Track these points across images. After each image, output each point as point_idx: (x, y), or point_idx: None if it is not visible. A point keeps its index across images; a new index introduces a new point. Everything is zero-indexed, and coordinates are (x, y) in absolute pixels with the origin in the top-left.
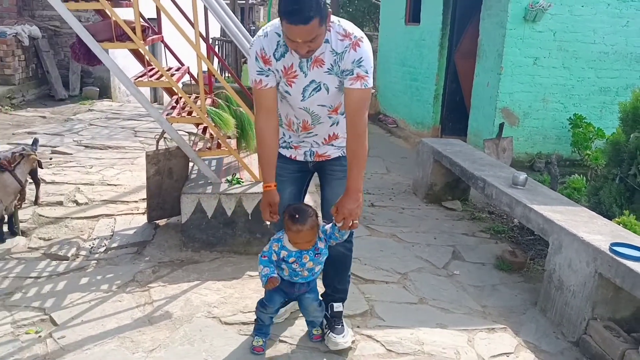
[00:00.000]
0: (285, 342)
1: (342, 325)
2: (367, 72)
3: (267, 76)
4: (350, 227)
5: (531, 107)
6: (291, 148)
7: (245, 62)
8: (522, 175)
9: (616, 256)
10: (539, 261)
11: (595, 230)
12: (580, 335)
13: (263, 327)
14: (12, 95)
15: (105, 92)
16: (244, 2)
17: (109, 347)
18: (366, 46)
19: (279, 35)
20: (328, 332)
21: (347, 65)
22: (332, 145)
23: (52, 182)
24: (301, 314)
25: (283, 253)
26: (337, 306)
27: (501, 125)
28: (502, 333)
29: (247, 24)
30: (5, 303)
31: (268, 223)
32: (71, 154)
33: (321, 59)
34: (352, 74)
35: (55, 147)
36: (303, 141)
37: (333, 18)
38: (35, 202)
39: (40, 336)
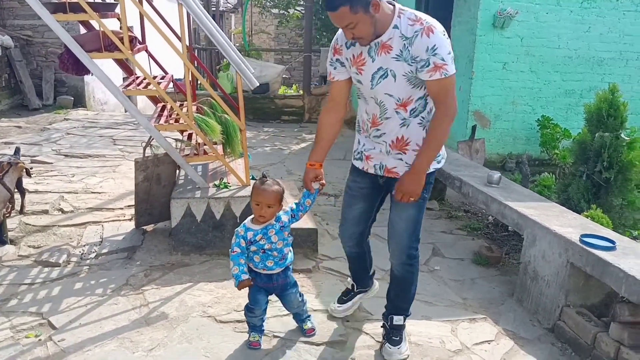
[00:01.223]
0: (278, 337)
1: (400, 338)
2: (444, 60)
3: (334, 68)
4: (407, 201)
5: (501, 110)
6: (363, 159)
7: (220, 70)
8: (497, 174)
9: (586, 246)
10: (513, 255)
11: (566, 223)
12: (555, 321)
13: (256, 327)
14: None
15: (79, 101)
16: (214, 9)
17: (109, 347)
18: (440, 34)
19: None
20: (385, 343)
21: (419, 52)
22: (401, 157)
23: (36, 192)
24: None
25: (249, 234)
26: (397, 319)
27: (473, 128)
28: (483, 323)
29: None
30: (2, 309)
31: None
32: (51, 163)
33: (389, 45)
34: (429, 65)
35: (34, 156)
36: (374, 147)
37: (405, 7)
38: (21, 211)
39: (40, 340)
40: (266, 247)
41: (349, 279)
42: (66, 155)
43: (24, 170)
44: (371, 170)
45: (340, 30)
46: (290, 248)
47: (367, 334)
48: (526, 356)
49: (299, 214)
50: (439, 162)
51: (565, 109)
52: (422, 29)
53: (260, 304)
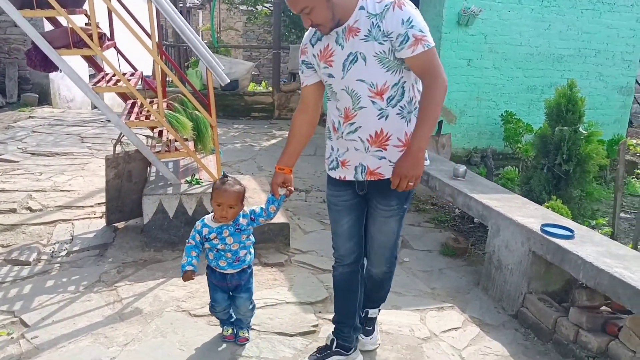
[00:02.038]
0: (254, 329)
1: (373, 328)
2: (422, 31)
3: (302, 72)
4: (406, 188)
5: (466, 106)
6: (339, 166)
7: (188, 67)
8: (462, 168)
9: (546, 235)
10: (479, 246)
11: (528, 214)
12: (519, 308)
13: (224, 321)
14: None
15: (45, 99)
16: (181, 5)
17: (83, 343)
18: (412, 7)
19: None
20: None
21: (394, 26)
22: (383, 155)
23: (2, 190)
24: (264, 304)
25: (205, 230)
26: (373, 312)
27: (440, 123)
28: (450, 311)
29: None
30: None
31: None
32: (17, 161)
33: (356, 28)
34: (408, 39)
35: None
36: (347, 149)
37: None
38: None
39: (12, 338)
40: (219, 247)
41: (329, 334)
42: (33, 154)
43: None
44: (350, 177)
45: (307, 32)
46: (250, 251)
47: None
48: (491, 341)
49: (260, 219)
50: (425, 158)
51: (528, 104)
52: (392, 2)
53: (220, 302)
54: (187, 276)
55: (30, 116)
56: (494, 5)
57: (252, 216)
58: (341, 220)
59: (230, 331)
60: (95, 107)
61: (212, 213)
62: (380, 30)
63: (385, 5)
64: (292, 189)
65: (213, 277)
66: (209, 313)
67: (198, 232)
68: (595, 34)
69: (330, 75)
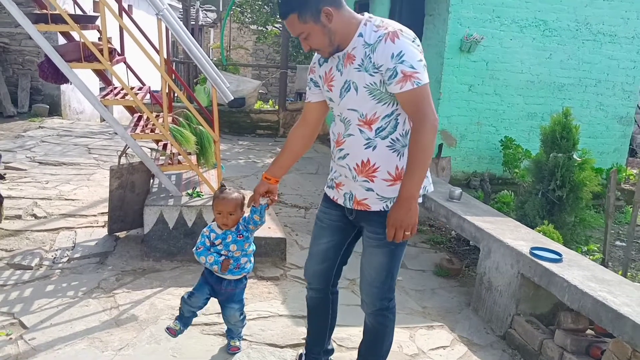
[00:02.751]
0: (245, 339)
1: None
2: (413, 67)
3: (309, 89)
4: (403, 238)
5: (467, 130)
6: (334, 188)
7: (197, 83)
8: (457, 190)
9: (535, 258)
10: (473, 268)
11: (519, 237)
12: (507, 329)
13: (184, 318)
14: None
15: (55, 110)
16: (193, 23)
17: (79, 347)
18: (407, 40)
19: None
20: None
21: (383, 60)
22: (371, 186)
23: (9, 197)
24: (257, 316)
25: (212, 235)
26: None
27: (440, 146)
28: (440, 330)
29: None
30: None
31: None
32: (25, 169)
33: (352, 55)
34: (396, 75)
35: (8, 162)
36: (340, 173)
37: (375, 16)
38: None
39: (11, 338)
40: (223, 253)
41: (299, 352)
42: (40, 163)
43: None
44: (340, 201)
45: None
46: (250, 259)
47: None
48: None
49: (250, 225)
50: (420, 195)
51: (528, 130)
52: (385, 34)
53: (202, 294)
54: (226, 264)
55: (40, 126)
56: (496, 33)
57: (245, 223)
58: (321, 239)
59: (178, 327)
60: (104, 120)
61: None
62: (371, 61)
63: (379, 36)
64: (276, 198)
65: (210, 277)
66: (203, 322)
67: (207, 237)
68: (596, 64)
69: (331, 100)
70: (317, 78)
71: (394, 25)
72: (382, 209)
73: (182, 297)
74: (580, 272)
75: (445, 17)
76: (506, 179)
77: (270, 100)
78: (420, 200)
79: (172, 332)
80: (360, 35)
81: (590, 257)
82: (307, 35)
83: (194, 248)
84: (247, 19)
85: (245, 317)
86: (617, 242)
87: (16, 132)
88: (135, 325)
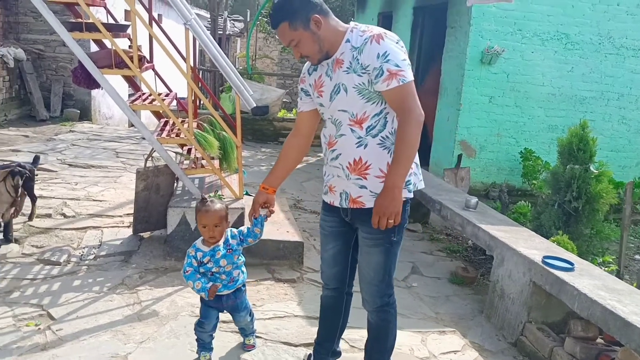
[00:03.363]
0: (260, 337)
1: None
2: (398, 66)
3: (300, 99)
4: (387, 225)
5: (487, 141)
6: (329, 192)
7: (222, 91)
8: (474, 200)
9: (547, 267)
10: (487, 277)
11: (532, 246)
12: (518, 336)
13: (205, 344)
14: None
15: (85, 115)
16: (220, 33)
17: (103, 338)
18: (391, 41)
19: None
20: None
21: (370, 60)
22: (364, 184)
23: (40, 197)
24: (273, 315)
25: (199, 254)
26: None
27: (459, 157)
28: (452, 335)
29: None
30: (5, 300)
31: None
32: (56, 171)
33: (341, 60)
34: (383, 73)
35: (40, 164)
36: (332, 174)
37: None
38: (30, 218)
39: (39, 328)
40: (214, 270)
41: (308, 353)
42: (70, 165)
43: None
44: (337, 202)
45: (306, 63)
46: (242, 270)
47: (342, 339)
48: None
49: (249, 239)
50: (410, 191)
51: (548, 143)
52: (371, 36)
53: (211, 319)
54: (213, 290)
55: (70, 130)
56: (518, 46)
57: (240, 236)
58: (327, 245)
59: (208, 356)
60: (132, 125)
61: (201, 238)
62: (358, 63)
63: (365, 39)
64: (273, 210)
65: (208, 300)
66: (221, 320)
67: (193, 257)
68: (618, 77)
69: (321, 105)
70: (308, 87)
71: (378, 29)
72: None
73: (195, 327)
74: (591, 281)
75: (467, 29)
76: (525, 191)
77: (294, 109)
78: (410, 195)
79: None
80: (348, 41)
81: (605, 268)
82: (298, 43)
83: (182, 270)
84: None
85: (253, 316)
86: (637, 256)
87: (48, 136)
88: (156, 321)
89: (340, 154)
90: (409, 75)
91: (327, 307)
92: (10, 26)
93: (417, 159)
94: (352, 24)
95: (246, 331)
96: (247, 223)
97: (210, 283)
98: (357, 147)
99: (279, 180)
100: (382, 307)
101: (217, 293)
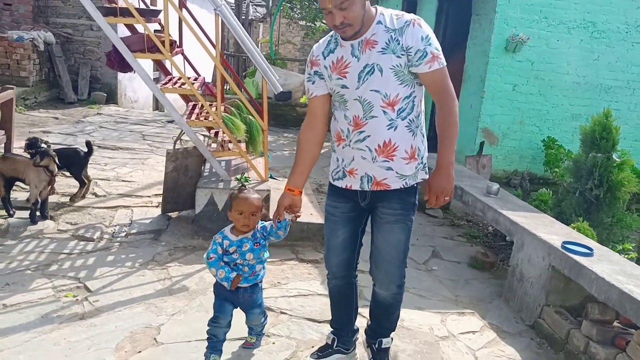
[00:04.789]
0: (285, 313)
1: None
2: (438, 50)
3: (313, 83)
4: (443, 202)
5: (509, 129)
6: (346, 175)
7: (245, 76)
8: (495, 186)
9: (566, 252)
10: (507, 262)
11: (552, 232)
12: (536, 319)
13: (217, 344)
14: (26, 97)
15: (112, 98)
16: (243, 18)
17: (136, 310)
18: (428, 27)
19: (332, 36)
20: None
21: (413, 42)
22: (390, 165)
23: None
24: (297, 293)
25: (226, 243)
26: (386, 342)
27: (482, 144)
28: (471, 316)
29: None
30: (44, 272)
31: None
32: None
33: (373, 40)
34: (426, 55)
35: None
36: (353, 158)
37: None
38: (79, 197)
39: (77, 299)
40: (238, 261)
41: (329, 333)
42: (99, 147)
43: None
44: (356, 186)
45: (316, 45)
46: (264, 265)
47: (364, 317)
48: (506, 346)
49: (270, 237)
50: (426, 173)
51: (571, 132)
52: (411, 19)
53: (226, 314)
54: (236, 281)
55: (98, 113)
56: (543, 34)
57: (264, 232)
58: (337, 232)
59: (217, 358)
60: (157, 109)
61: (230, 226)
62: (399, 44)
63: (405, 22)
64: (300, 214)
65: (224, 291)
66: (216, 333)
67: (219, 245)
68: None
69: (343, 86)
70: (323, 69)
71: (411, 14)
72: (402, 187)
73: (209, 323)
74: (609, 266)
75: (492, 16)
76: (547, 179)
77: None
78: (426, 177)
79: None
80: (379, 22)
81: (625, 256)
82: (349, 5)
83: (205, 256)
84: (296, 15)
85: (267, 317)
86: None
87: (76, 118)
88: (186, 295)
89: (368, 136)
90: (444, 60)
91: (338, 295)
92: (40, 10)
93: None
94: (379, 8)
95: (254, 330)
96: (272, 208)
97: (234, 273)
98: (388, 129)
99: (304, 178)
100: (399, 287)
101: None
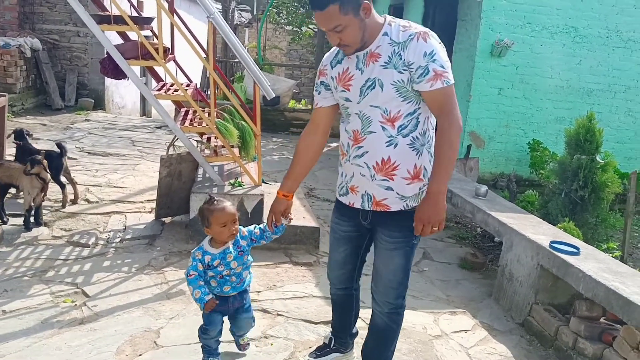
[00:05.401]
0: (282, 315)
1: None
2: (443, 67)
3: (319, 93)
4: (430, 233)
5: (495, 132)
6: (349, 192)
7: (233, 82)
8: (483, 188)
9: (554, 251)
10: (496, 263)
11: (540, 232)
12: (525, 317)
13: (213, 351)
14: (13, 103)
15: (99, 104)
16: (229, 23)
17: (135, 314)
18: (436, 40)
19: None
20: None
21: (415, 57)
22: (390, 185)
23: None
24: (293, 296)
25: (207, 258)
26: None
27: (469, 147)
28: (462, 316)
29: None
30: (42, 278)
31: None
32: (76, 159)
33: (377, 53)
34: (428, 73)
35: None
36: (353, 174)
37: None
38: (62, 205)
39: (76, 304)
40: (224, 273)
41: (327, 332)
42: (89, 153)
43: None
44: (357, 204)
45: (328, 53)
46: (249, 270)
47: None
48: (497, 344)
49: (261, 241)
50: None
51: (555, 134)
52: (417, 33)
53: (216, 325)
54: (210, 306)
55: (86, 119)
56: (527, 39)
57: (252, 237)
58: (338, 248)
59: None
60: (144, 115)
61: (207, 239)
62: (401, 59)
63: (410, 35)
64: (292, 217)
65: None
66: (207, 343)
67: (200, 261)
68: (626, 70)
69: (347, 100)
70: (329, 80)
71: (421, 27)
72: (402, 209)
73: (199, 332)
74: (595, 264)
75: (477, 22)
76: (532, 181)
77: (302, 100)
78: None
79: None
80: (386, 34)
81: (610, 254)
82: (343, 29)
83: (185, 272)
84: (282, 20)
85: (254, 320)
86: None
87: (65, 124)
88: (183, 299)
89: (366, 152)
90: (452, 78)
91: (339, 302)
92: (26, 16)
93: None
94: (389, 17)
95: (241, 336)
96: (266, 210)
97: (210, 296)
98: (387, 146)
99: (297, 184)
100: (395, 308)
101: (224, 294)
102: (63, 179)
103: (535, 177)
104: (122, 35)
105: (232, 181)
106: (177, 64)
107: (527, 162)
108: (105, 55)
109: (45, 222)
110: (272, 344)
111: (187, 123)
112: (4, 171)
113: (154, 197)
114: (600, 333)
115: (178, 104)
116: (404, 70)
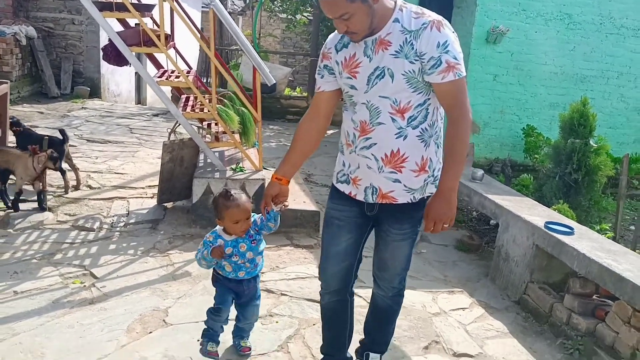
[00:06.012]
0: (286, 295)
1: None
2: (456, 59)
3: (322, 77)
4: (442, 230)
5: (490, 118)
6: (350, 182)
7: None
8: (480, 172)
9: (549, 231)
10: (491, 245)
11: (535, 213)
12: (521, 295)
13: (214, 335)
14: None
15: (95, 92)
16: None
17: (143, 294)
18: (450, 30)
19: None
20: None
21: (428, 48)
22: (398, 177)
23: (67, 170)
24: (296, 276)
25: (220, 242)
26: (374, 357)
27: None
28: (460, 295)
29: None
30: (50, 261)
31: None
32: (75, 146)
33: (387, 41)
34: (441, 64)
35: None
36: (358, 165)
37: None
38: (65, 191)
39: (85, 286)
40: (239, 262)
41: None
42: (88, 140)
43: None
44: (360, 197)
45: (332, 35)
46: (262, 255)
47: (360, 296)
48: (494, 321)
49: (263, 231)
50: (436, 187)
51: (549, 120)
52: (430, 21)
53: (227, 304)
54: (218, 250)
55: (82, 107)
56: (522, 26)
57: (255, 227)
58: (340, 238)
59: (215, 347)
60: (139, 103)
61: (221, 227)
62: (413, 48)
63: (423, 24)
64: (287, 204)
65: (229, 282)
66: (213, 325)
67: (212, 243)
68: (618, 57)
69: (352, 87)
70: (334, 64)
71: (433, 14)
72: (409, 201)
73: (209, 313)
74: (589, 243)
75: (473, 9)
76: (527, 165)
77: (297, 88)
78: (427, 194)
79: (216, 355)
80: (396, 20)
81: (603, 234)
82: (351, 16)
83: (196, 256)
84: (277, 8)
85: (258, 314)
86: (632, 227)
87: (61, 112)
88: (189, 280)
89: (375, 144)
90: (464, 70)
91: (333, 312)
92: (20, 4)
93: None
94: (399, 1)
95: (244, 331)
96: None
97: (217, 244)
98: (397, 137)
99: (295, 169)
100: (400, 290)
101: (239, 278)
102: (65, 165)
103: (529, 162)
104: (122, 22)
105: (233, 166)
106: (177, 51)
107: (522, 147)
108: (108, 42)
109: (50, 207)
110: (277, 322)
111: (188, 109)
112: (2, 156)
113: (155, 183)
114: (594, 309)
115: (178, 91)
116: (416, 60)
